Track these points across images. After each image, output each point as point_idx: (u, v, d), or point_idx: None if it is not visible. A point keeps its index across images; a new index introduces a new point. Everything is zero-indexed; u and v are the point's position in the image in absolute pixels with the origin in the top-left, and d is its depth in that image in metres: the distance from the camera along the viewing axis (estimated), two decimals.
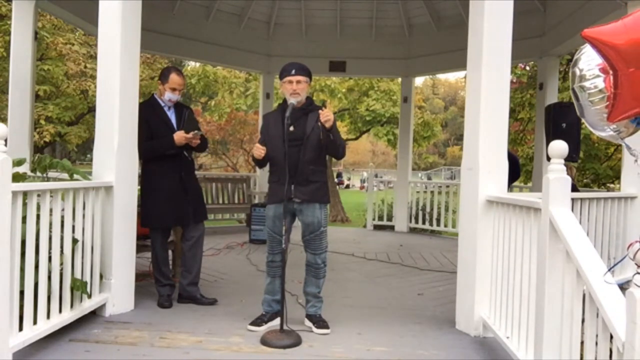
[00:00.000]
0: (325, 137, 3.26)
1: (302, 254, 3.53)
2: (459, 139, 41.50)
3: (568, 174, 2.48)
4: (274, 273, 3.46)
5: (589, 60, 2.38)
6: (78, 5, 6.09)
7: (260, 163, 3.50)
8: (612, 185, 9.75)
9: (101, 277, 3.51)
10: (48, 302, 2.91)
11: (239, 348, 3.07)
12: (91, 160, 3.70)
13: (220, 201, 8.50)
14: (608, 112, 2.31)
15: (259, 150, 3.35)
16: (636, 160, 2.43)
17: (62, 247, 3.03)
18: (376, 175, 10.80)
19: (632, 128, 2.47)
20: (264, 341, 3.12)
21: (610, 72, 2.20)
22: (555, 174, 2.39)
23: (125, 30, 3.62)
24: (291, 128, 3.28)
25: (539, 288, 2.43)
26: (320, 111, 3.25)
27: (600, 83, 2.34)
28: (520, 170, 7.45)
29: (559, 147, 2.39)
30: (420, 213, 8.66)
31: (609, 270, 1.93)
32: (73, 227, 3.14)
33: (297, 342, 3.13)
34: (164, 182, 3.86)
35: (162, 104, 3.96)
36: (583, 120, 2.64)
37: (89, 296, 3.34)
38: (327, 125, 3.20)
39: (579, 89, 2.43)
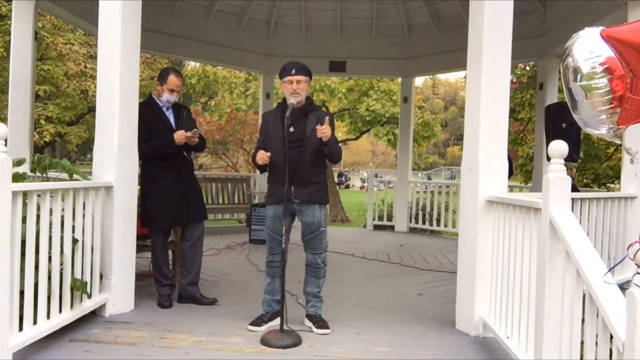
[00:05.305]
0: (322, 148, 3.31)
1: (302, 254, 3.53)
2: (459, 139, 41.48)
3: (568, 174, 2.48)
4: (273, 273, 3.46)
5: (590, 59, 2.33)
6: (78, 5, 6.09)
7: (262, 168, 3.45)
8: (612, 185, 9.74)
9: (101, 277, 3.51)
10: (48, 302, 2.91)
11: (239, 348, 3.07)
12: (91, 160, 3.70)
13: (220, 201, 8.50)
14: (620, 115, 2.27)
15: (264, 158, 3.30)
16: (632, 161, 2.42)
17: (62, 247, 3.03)
18: (376, 175, 10.79)
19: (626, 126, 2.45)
20: (264, 341, 3.12)
21: (627, 74, 2.15)
22: (555, 174, 2.39)
23: (125, 30, 3.62)
24: (291, 129, 3.28)
25: (539, 288, 2.43)
26: (317, 127, 3.24)
27: (606, 83, 2.30)
28: (514, 167, 7.43)
29: (559, 147, 2.39)
30: (420, 213, 8.66)
31: (609, 270, 1.92)
32: (73, 227, 3.14)
33: (297, 342, 3.13)
34: (163, 182, 3.86)
35: (161, 104, 3.96)
36: (575, 118, 2.59)
37: (89, 296, 3.34)
38: (324, 140, 3.24)
39: (583, 87, 2.38)
